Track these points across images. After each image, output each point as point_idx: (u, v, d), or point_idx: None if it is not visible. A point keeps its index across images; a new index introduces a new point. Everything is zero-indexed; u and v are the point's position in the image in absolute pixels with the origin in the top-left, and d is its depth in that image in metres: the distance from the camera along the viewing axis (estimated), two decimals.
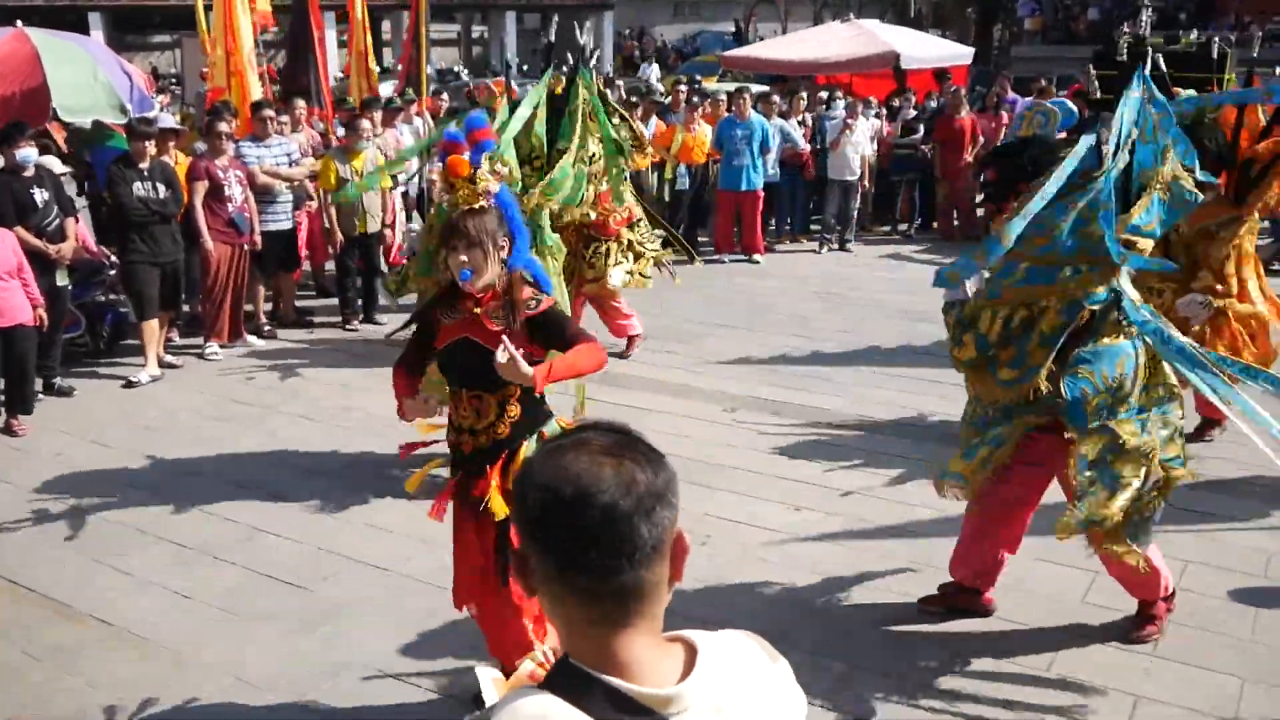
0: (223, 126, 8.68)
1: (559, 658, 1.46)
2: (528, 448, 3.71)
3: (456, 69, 32.76)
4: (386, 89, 14.55)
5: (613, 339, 8.55)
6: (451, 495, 3.94)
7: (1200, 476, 6.11)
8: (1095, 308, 4.13)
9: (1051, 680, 4.36)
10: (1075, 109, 5.21)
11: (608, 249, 8.14)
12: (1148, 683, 4.33)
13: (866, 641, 4.64)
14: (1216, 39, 14.86)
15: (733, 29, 37.63)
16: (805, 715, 1.56)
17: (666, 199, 12.83)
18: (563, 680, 1.41)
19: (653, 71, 18.26)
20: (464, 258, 3.61)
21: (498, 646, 4.02)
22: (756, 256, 12.40)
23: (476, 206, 3.68)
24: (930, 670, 4.41)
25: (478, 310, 3.69)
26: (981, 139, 13.39)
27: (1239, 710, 4.16)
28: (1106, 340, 4.16)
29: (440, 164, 3.84)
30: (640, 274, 8.30)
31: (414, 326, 3.99)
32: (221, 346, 8.74)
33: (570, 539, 1.38)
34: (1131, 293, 4.21)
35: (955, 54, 17.89)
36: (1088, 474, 4.16)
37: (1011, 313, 4.15)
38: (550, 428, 3.82)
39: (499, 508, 3.69)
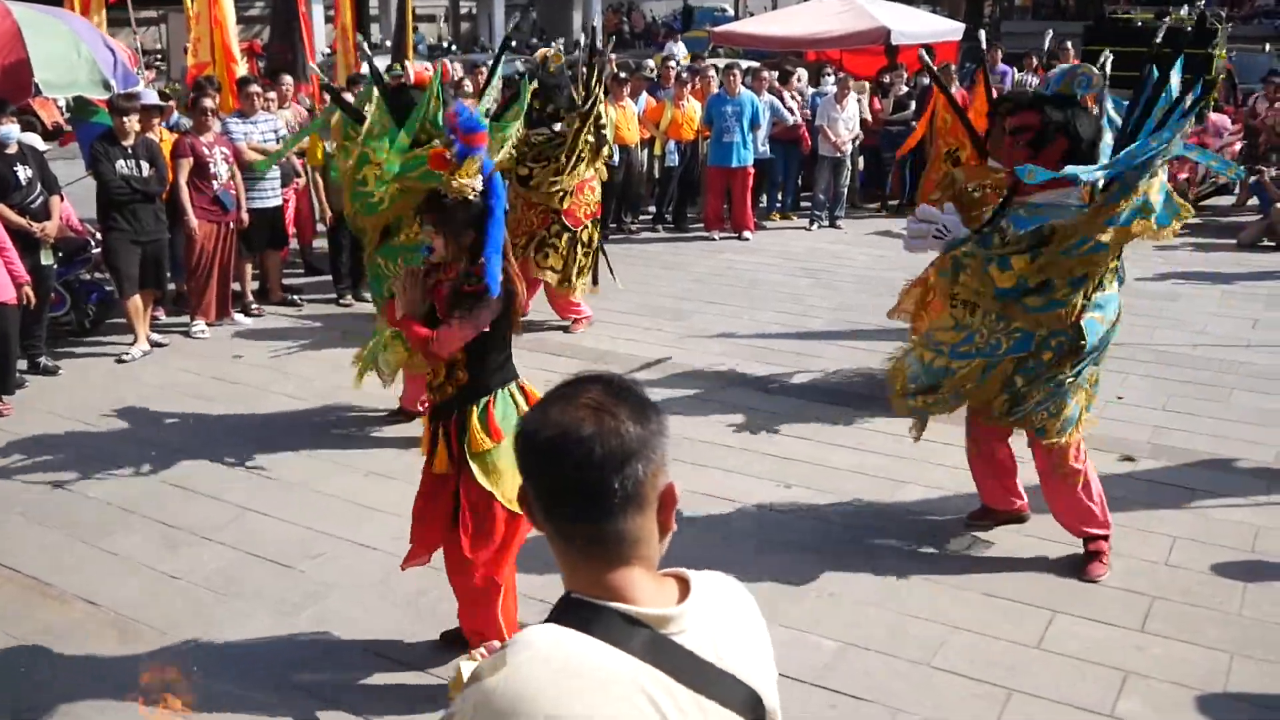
0: (207, 103, 8.61)
1: (563, 595, 1.53)
2: (477, 411, 3.98)
3: (446, 43, 32.58)
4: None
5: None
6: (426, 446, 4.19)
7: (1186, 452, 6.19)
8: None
9: (1040, 655, 4.37)
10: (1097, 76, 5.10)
11: (547, 251, 8.34)
12: (1137, 657, 4.34)
13: (858, 618, 4.64)
14: (1208, 13, 14.85)
15: (721, 5, 37.44)
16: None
17: (656, 175, 12.80)
18: (568, 612, 1.49)
19: (678, 49, 17.92)
20: (432, 240, 4.00)
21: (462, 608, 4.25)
22: (746, 234, 12.35)
23: (451, 196, 3.94)
24: (922, 646, 4.42)
25: (440, 279, 4.02)
26: None
27: (1228, 683, 4.18)
28: (1107, 289, 4.72)
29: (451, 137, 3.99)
30: (570, 279, 8.46)
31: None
32: (209, 325, 8.67)
33: (551, 487, 1.49)
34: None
35: (946, 29, 17.79)
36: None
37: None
38: (504, 395, 4.05)
39: (440, 464, 4.05)
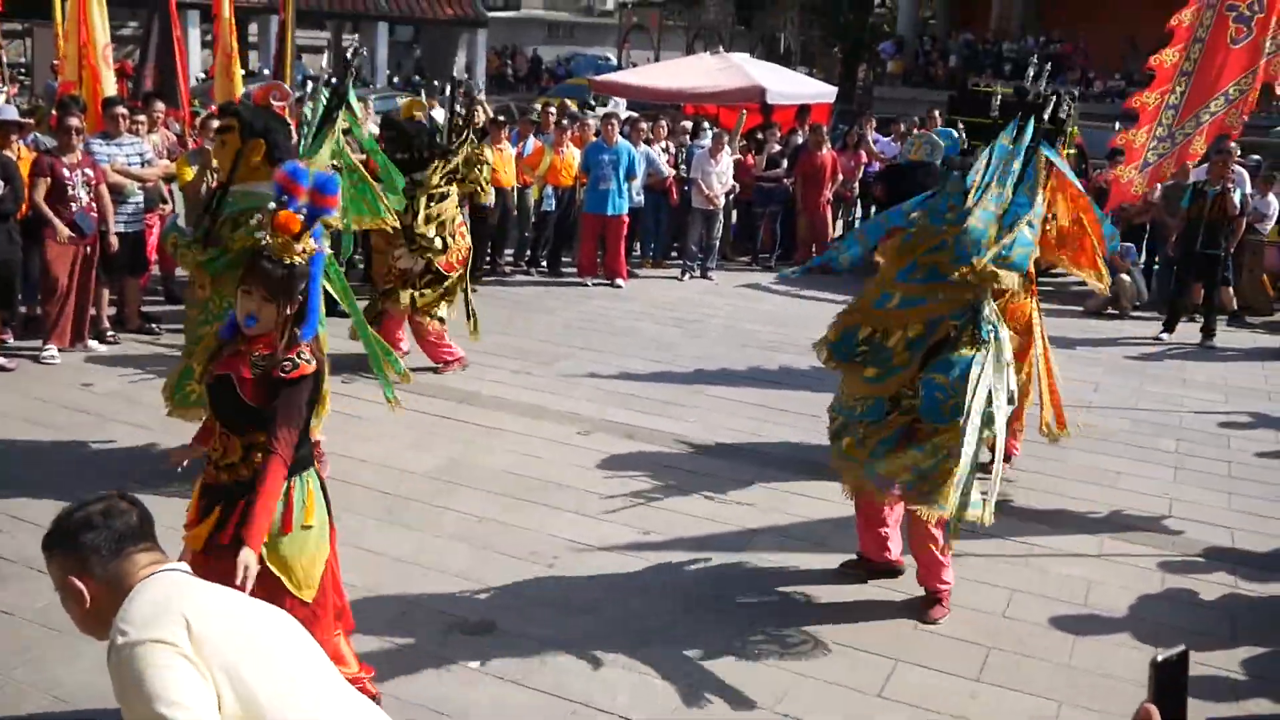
0: (73, 122, 8.35)
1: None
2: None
3: (326, 75, 32.23)
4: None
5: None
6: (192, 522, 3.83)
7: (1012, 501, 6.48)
8: (955, 323, 4.82)
9: (881, 702, 4.51)
10: (958, 138, 5.47)
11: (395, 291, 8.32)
12: (971, 705, 4.51)
13: (711, 663, 4.71)
14: (1063, 90, 15.70)
15: (605, 54, 37.99)
16: None
17: (533, 219, 12.87)
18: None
19: (619, 105, 17.28)
20: (255, 307, 3.59)
21: None
22: (619, 281, 12.50)
23: (289, 261, 3.61)
24: (770, 692, 4.50)
25: (242, 349, 3.66)
26: (840, 176, 13.82)
27: None
28: (963, 352, 4.78)
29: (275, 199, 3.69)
30: (430, 309, 8.43)
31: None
32: (60, 350, 8.36)
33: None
34: (987, 312, 4.85)
35: (819, 92, 18.41)
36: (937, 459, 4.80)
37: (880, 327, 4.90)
38: (301, 481, 3.74)
39: (197, 542, 3.70)
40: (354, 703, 2.36)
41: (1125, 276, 12.11)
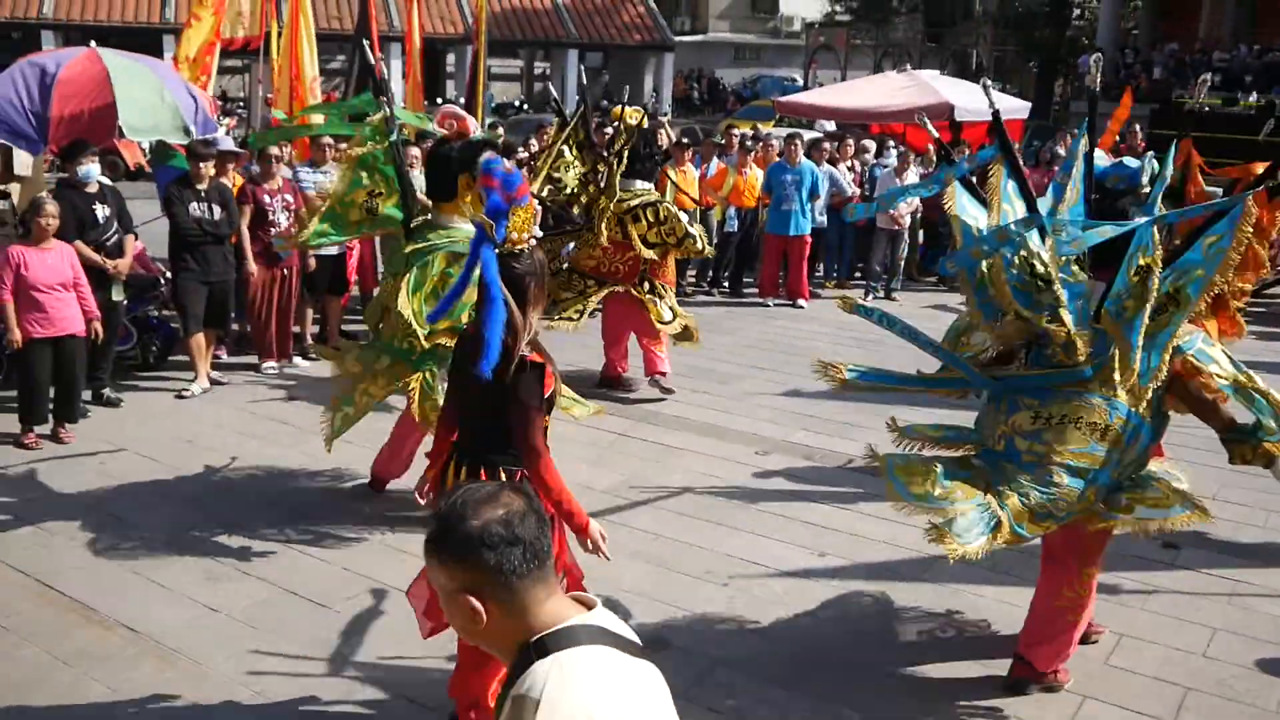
0: (273, 151, 8.89)
1: (531, 641, 1.92)
2: None
3: (518, 103, 33.25)
4: None
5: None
6: None
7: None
8: None
9: None
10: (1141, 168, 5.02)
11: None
12: None
13: (881, 690, 4.62)
14: (1277, 100, 14.77)
15: (792, 75, 37.88)
16: None
17: (715, 240, 12.94)
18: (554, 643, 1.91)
19: (826, 126, 16.66)
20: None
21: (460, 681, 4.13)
22: (801, 301, 12.43)
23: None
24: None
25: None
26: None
27: None
28: None
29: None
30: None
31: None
32: (271, 366, 8.94)
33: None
34: None
35: (1011, 108, 17.80)
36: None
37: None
38: None
39: None
40: None
41: None
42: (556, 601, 1.97)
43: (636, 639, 2.02)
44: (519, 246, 3.82)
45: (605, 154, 8.48)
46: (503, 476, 3.81)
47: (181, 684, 4.48)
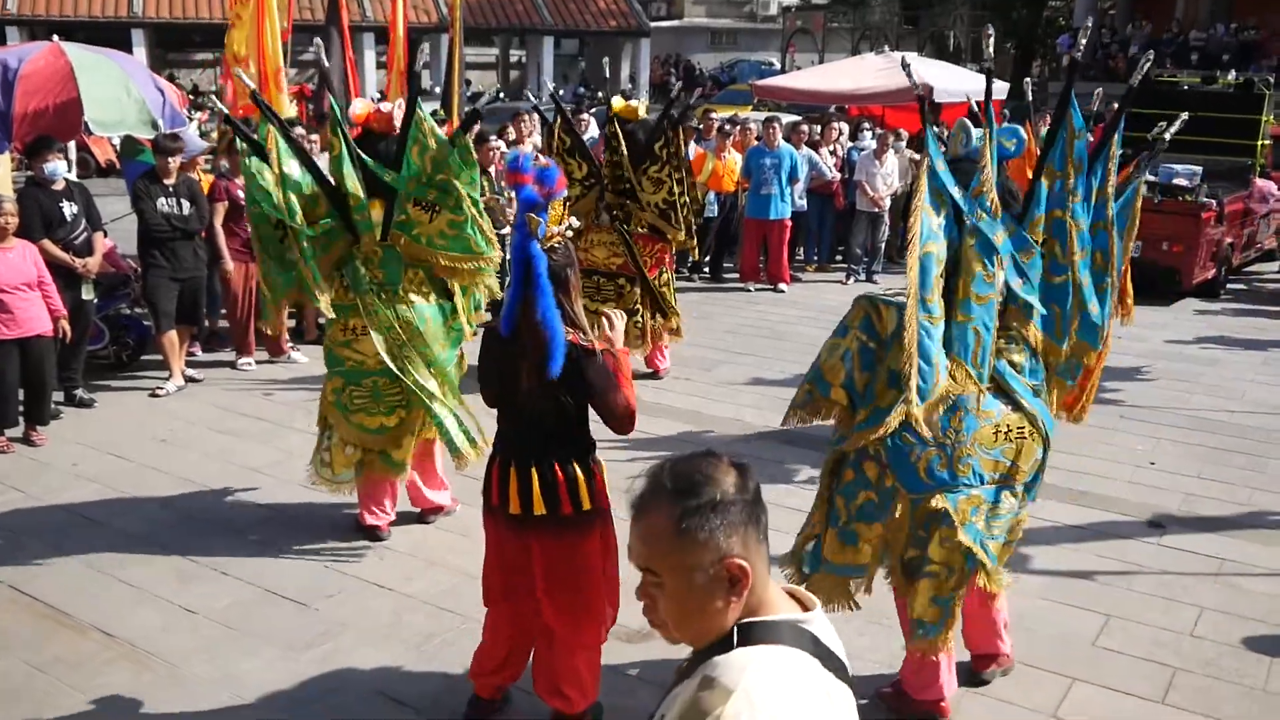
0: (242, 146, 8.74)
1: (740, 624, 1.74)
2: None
3: (494, 91, 33.06)
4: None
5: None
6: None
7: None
8: None
9: None
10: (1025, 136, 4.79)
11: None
12: None
13: (858, 672, 4.57)
14: (1255, 79, 14.76)
15: (769, 59, 37.78)
16: None
17: (694, 226, 12.84)
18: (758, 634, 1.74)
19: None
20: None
21: (489, 654, 4.11)
22: (782, 286, 12.37)
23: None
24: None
25: None
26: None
27: None
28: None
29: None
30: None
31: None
32: (257, 362, 8.88)
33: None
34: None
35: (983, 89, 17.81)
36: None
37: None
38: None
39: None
40: None
41: None
42: (775, 588, 1.80)
43: (845, 658, 1.82)
44: (555, 241, 3.83)
45: (611, 156, 8.48)
46: (560, 473, 3.85)
47: (158, 688, 4.40)
